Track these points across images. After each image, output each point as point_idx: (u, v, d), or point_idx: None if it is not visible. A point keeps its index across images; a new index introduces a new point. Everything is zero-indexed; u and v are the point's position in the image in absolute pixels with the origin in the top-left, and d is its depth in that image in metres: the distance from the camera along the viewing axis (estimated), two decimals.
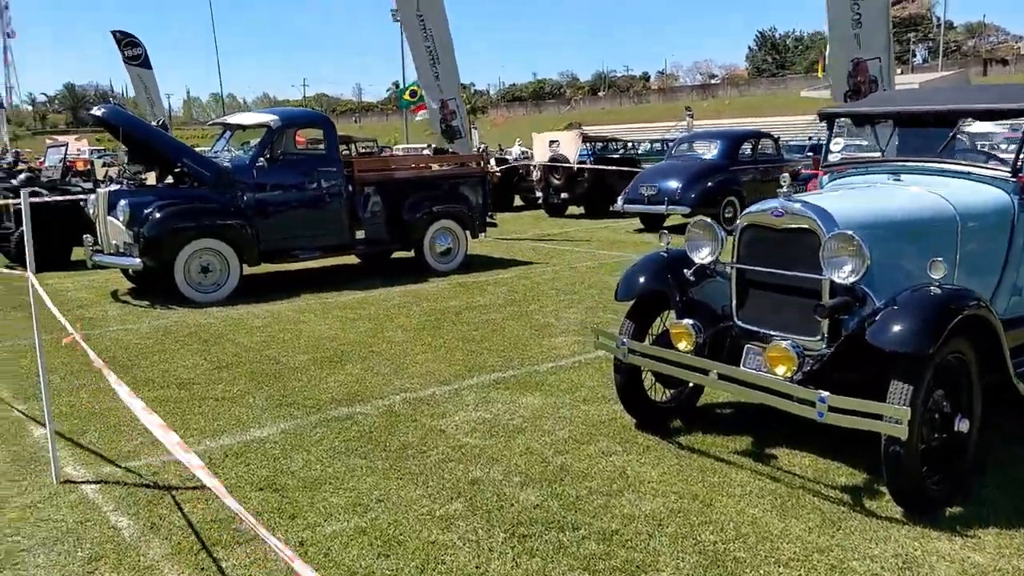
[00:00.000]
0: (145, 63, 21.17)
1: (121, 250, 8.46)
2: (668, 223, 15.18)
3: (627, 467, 4.03)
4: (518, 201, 20.39)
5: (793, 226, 3.78)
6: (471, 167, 11.03)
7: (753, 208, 4.00)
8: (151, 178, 11.99)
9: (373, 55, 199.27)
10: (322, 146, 9.68)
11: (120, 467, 4.21)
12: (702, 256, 4.27)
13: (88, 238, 8.83)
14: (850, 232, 3.55)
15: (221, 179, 8.87)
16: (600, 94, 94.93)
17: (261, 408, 5.13)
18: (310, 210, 9.35)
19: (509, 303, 8.21)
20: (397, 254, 10.95)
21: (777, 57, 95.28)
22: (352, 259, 10.95)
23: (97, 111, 8.69)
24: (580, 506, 3.62)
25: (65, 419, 4.98)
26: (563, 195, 17.62)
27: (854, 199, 4.18)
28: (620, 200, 14.53)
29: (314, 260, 9.77)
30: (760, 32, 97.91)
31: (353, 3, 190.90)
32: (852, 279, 3.55)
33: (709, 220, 4.28)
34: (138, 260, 8.23)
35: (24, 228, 3.90)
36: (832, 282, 3.61)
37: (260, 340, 6.90)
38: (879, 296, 3.58)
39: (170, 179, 9.46)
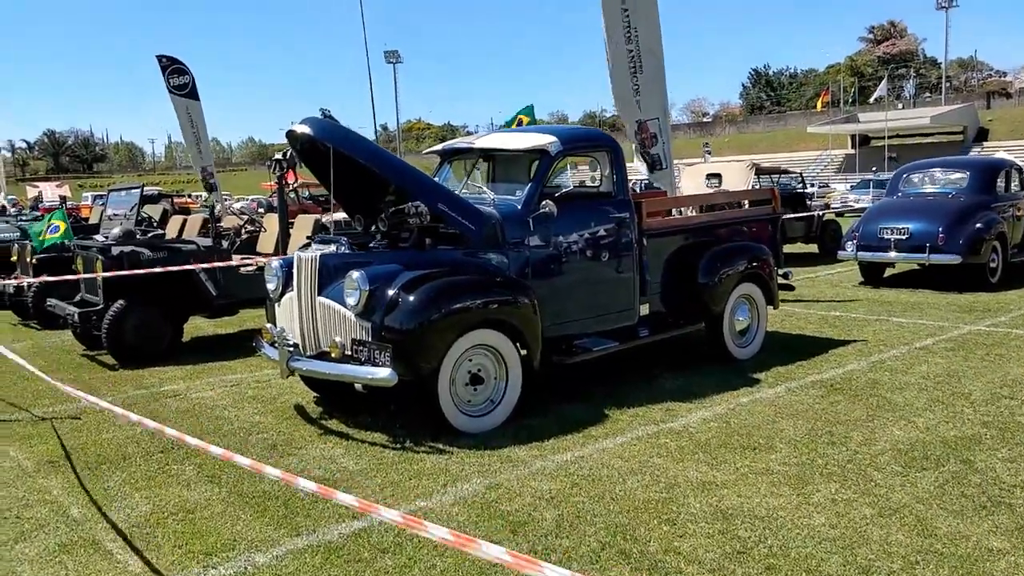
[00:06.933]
0: (192, 93, 17.85)
1: (347, 352, 5.09)
2: (891, 272, 12.17)
3: None
4: None
5: None
6: (765, 207, 7.83)
7: None
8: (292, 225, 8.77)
9: (353, 97, 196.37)
10: (604, 179, 6.45)
11: None
12: None
13: (278, 332, 5.41)
14: None
15: (487, 234, 5.60)
16: None
17: None
18: (597, 276, 6.10)
19: (990, 424, 4.98)
20: None
21: (772, 94, 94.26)
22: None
23: (302, 128, 5.29)
24: None
25: None
26: None
27: None
28: (849, 247, 11.43)
29: (604, 354, 6.22)
30: (754, 69, 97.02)
31: (338, 43, 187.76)
32: None
33: None
34: (388, 371, 4.84)
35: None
36: None
37: (707, 546, 3.59)
38: None
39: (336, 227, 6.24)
